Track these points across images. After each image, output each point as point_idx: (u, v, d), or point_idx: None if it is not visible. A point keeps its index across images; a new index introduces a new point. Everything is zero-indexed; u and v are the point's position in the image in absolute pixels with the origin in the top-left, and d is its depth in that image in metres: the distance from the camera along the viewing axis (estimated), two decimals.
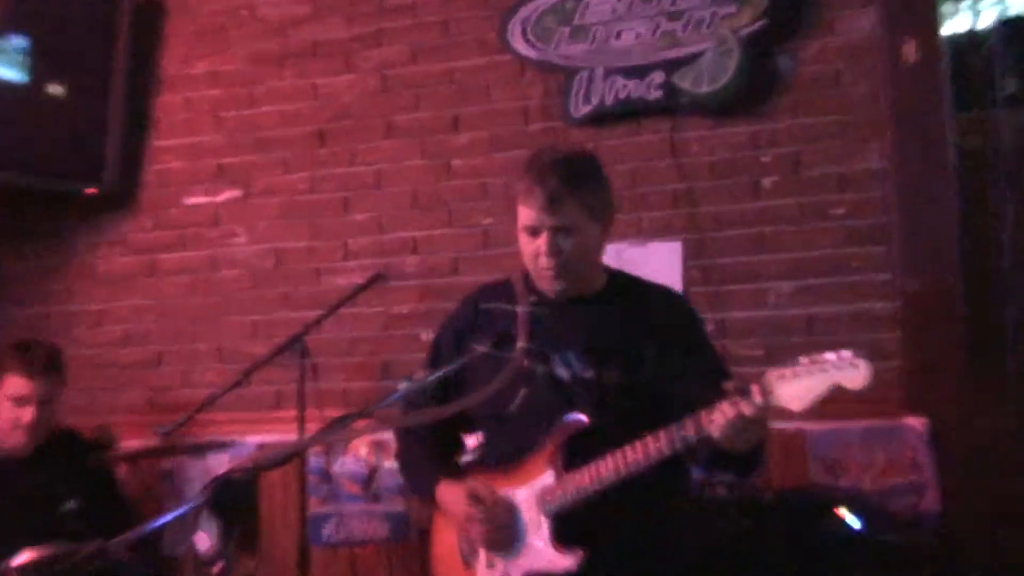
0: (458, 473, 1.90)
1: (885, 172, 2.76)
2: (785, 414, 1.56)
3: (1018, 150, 2.73)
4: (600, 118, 2.98)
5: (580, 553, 1.72)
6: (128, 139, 3.40)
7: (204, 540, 2.22)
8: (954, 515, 2.54)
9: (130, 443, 3.06)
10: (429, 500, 1.91)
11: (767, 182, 2.88)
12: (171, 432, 2.47)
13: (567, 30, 3.01)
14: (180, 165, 3.46)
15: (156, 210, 3.46)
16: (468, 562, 1.84)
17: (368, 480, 3.05)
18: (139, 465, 3.18)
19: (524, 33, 3.06)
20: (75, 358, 3.00)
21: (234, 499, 2.86)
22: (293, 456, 1.66)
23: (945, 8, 2.81)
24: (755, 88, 2.87)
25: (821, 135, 2.84)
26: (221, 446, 2.94)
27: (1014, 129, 2.73)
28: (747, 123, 2.90)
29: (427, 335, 3.14)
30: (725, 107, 2.88)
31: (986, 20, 2.83)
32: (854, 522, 2.28)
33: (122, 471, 3.02)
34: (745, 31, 2.81)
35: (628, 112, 2.96)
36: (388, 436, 2.97)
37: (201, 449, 2.98)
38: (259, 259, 3.36)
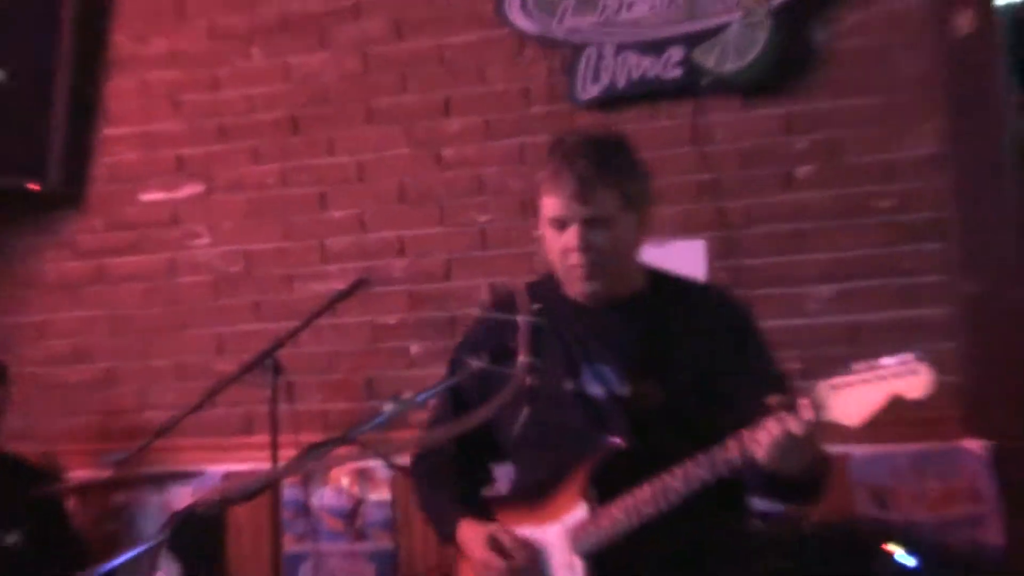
0: (483, 510, 1.88)
1: (938, 159, 2.76)
2: (838, 431, 1.52)
3: None
4: (611, 101, 2.97)
5: None
6: (75, 128, 3.39)
7: None
8: (1019, 550, 2.52)
9: (79, 474, 3.07)
10: (449, 541, 1.89)
11: (802, 172, 2.88)
12: (125, 461, 2.48)
13: (572, 1, 2.99)
14: (134, 157, 3.45)
15: (107, 208, 3.45)
16: None
17: (351, 515, 3.05)
18: (89, 499, 3.17)
19: (523, 4, 3.04)
20: (16, 376, 3.01)
21: (197, 537, 2.85)
22: (265, 488, 1.65)
23: None
24: (788, 65, 2.86)
25: (864, 118, 2.83)
26: (182, 477, 2.95)
27: None
28: (779, 105, 2.89)
29: (416, 348, 3.14)
30: (754, 87, 2.88)
31: None
32: (907, 560, 2.28)
33: (70, 505, 3.01)
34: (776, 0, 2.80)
35: (643, 94, 2.95)
36: (374, 465, 2.96)
37: (160, 480, 2.99)
38: (224, 263, 3.36)
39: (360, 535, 3.03)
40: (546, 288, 1.84)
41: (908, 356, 1.49)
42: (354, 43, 3.27)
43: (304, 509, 3.03)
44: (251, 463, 2.93)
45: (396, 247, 3.20)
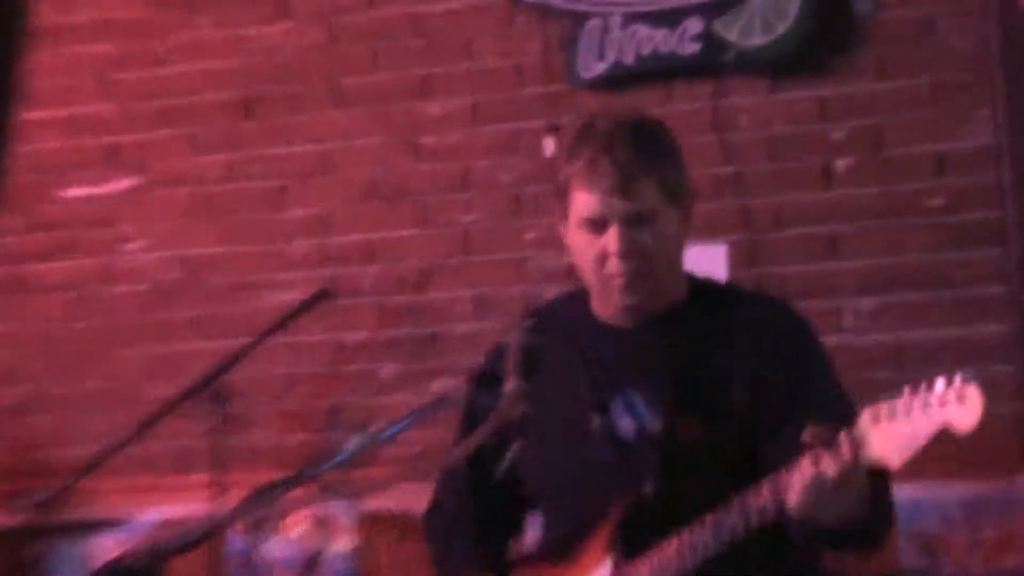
0: (504, 570, 1.89)
1: (996, 150, 2.77)
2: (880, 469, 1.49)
3: None
4: (618, 80, 2.99)
5: None
6: None
7: None
8: None
9: None
10: None
11: (840, 165, 2.89)
12: (41, 505, 2.45)
13: None
14: (58, 145, 3.45)
15: (26, 205, 3.42)
16: None
17: (308, 568, 3.05)
18: None
19: None
20: None
21: None
22: (205, 537, 1.62)
23: None
24: (823, 40, 2.87)
25: (911, 102, 2.85)
26: (108, 525, 2.91)
27: None
28: (812, 87, 2.91)
29: (388, 371, 3.12)
30: (784, 65, 2.90)
31: None
32: None
33: None
34: None
35: (655, 72, 2.97)
36: (336, 509, 2.93)
37: (82, 528, 2.97)
38: (162, 270, 3.35)
39: None
40: (575, 303, 1.84)
41: (955, 379, 1.46)
42: (318, 11, 3.27)
43: (251, 562, 2.99)
44: (189, 507, 2.88)
45: (365, 252, 3.20)
